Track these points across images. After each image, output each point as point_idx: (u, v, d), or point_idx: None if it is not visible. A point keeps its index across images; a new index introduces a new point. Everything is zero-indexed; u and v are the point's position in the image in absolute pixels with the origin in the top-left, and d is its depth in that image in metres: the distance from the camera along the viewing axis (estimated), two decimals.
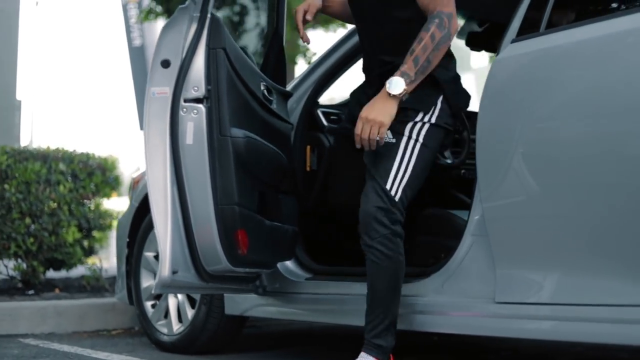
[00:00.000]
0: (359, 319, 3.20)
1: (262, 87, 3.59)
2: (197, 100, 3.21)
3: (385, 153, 3.13)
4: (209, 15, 3.24)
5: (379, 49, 3.32)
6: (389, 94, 3.04)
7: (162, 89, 3.21)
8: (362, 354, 3.09)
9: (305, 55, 12.22)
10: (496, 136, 3.04)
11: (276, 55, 4.00)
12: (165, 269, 3.21)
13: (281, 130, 3.69)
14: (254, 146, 3.40)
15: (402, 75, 3.05)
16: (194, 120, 3.19)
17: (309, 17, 3.49)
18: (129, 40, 60.94)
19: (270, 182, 3.52)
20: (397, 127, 3.12)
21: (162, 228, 3.22)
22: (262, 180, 3.45)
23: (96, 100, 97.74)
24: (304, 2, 3.50)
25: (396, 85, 3.04)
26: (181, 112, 3.19)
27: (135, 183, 4.95)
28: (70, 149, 6.62)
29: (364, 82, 3.44)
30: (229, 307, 4.06)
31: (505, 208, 3.01)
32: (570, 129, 2.81)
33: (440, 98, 3.21)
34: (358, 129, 3.07)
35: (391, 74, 3.08)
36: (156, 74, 3.22)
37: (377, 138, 3.04)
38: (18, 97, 31.28)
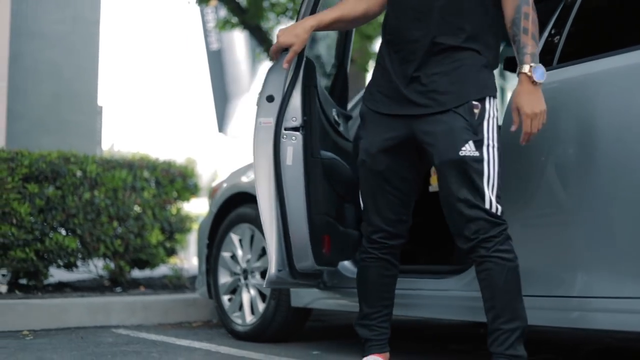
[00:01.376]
0: (402, 311, 3.71)
1: (334, 113, 4.18)
2: (295, 129, 3.77)
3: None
4: (304, 59, 3.79)
5: (428, 28, 3.18)
6: (535, 82, 3.00)
7: (267, 120, 3.75)
8: None
9: None
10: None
11: (342, 83, 4.58)
12: (272, 268, 3.77)
13: (346, 148, 4.24)
14: (335, 164, 3.99)
15: (534, 59, 3.00)
16: (293, 145, 3.75)
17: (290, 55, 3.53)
18: (207, 44, 61.57)
19: (342, 193, 4.07)
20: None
21: (269, 234, 3.78)
22: (338, 192, 4.01)
23: (174, 103, 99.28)
24: (286, 35, 3.52)
25: (540, 72, 3.00)
26: (282, 139, 3.73)
27: (213, 192, 5.51)
28: (153, 158, 7.11)
29: (392, 64, 3.29)
30: (294, 300, 4.61)
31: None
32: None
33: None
34: (527, 126, 3.00)
35: (441, 55, 3.12)
36: (262, 107, 3.77)
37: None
38: (99, 103, 32.15)
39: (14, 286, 6.13)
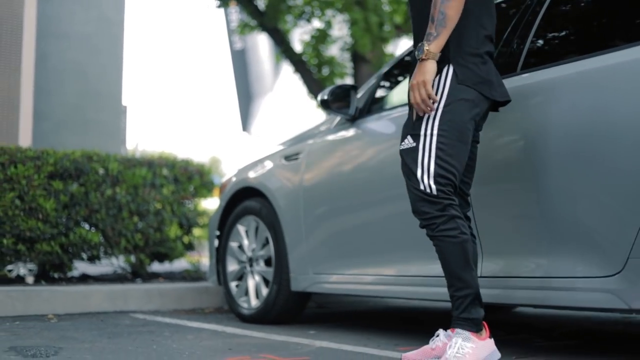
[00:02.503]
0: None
1: None
2: None
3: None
4: None
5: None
6: (419, 59, 3.37)
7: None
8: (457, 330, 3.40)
9: None
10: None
11: None
12: None
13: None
14: None
15: (425, 38, 3.39)
16: None
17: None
18: (231, 43, 61.81)
19: None
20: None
21: None
22: None
23: (199, 103, 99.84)
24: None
25: (419, 48, 3.38)
26: None
27: (223, 187, 5.95)
28: (172, 156, 7.51)
29: None
30: (293, 285, 5.05)
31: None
32: None
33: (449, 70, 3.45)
34: (411, 98, 3.39)
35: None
36: None
37: (427, 97, 3.34)
38: (124, 102, 32.63)
39: (40, 278, 6.52)
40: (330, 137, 4.97)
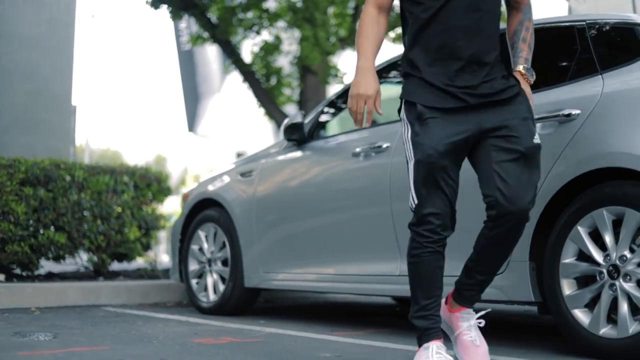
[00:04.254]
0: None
1: None
2: None
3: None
4: None
5: (476, 43, 3.42)
6: (530, 81, 3.58)
7: None
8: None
9: (336, 76, 13.96)
10: None
11: None
12: None
13: None
14: None
15: (527, 62, 3.59)
16: None
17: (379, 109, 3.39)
18: (178, 45, 61.85)
19: None
20: None
21: None
22: None
23: (146, 102, 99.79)
24: (367, 87, 3.36)
25: (531, 73, 3.59)
26: None
27: (185, 197, 6.84)
28: (132, 165, 8.20)
29: (439, 76, 3.40)
30: (247, 282, 5.95)
31: None
32: None
33: None
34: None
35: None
36: None
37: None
38: (73, 102, 32.99)
39: (9, 275, 7.16)
40: (280, 157, 5.89)
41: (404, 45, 3.55)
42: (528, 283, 4.16)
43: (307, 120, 5.74)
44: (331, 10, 14.66)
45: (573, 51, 4.31)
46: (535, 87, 4.26)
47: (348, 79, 14.45)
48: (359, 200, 5.12)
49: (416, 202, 3.37)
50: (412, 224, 3.42)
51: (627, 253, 3.80)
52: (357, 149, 5.11)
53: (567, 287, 3.99)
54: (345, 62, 29.40)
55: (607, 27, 4.25)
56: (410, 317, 3.49)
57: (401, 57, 3.55)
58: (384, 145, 4.94)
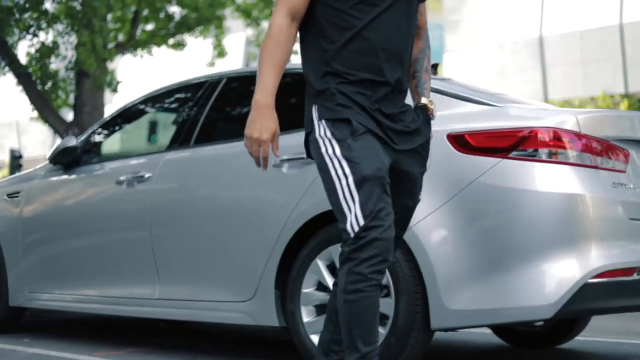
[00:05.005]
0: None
1: None
2: None
3: None
4: None
5: (404, 53, 3.09)
6: (434, 116, 3.22)
7: None
8: None
9: (110, 84, 14.01)
10: None
11: None
12: None
13: None
14: None
15: (429, 94, 3.23)
16: None
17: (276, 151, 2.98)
18: None
19: None
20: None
21: None
22: None
23: None
24: (262, 130, 2.94)
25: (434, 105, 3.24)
26: None
27: None
28: None
29: (376, 98, 3.01)
30: (11, 301, 6.05)
31: None
32: None
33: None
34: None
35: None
36: None
37: None
38: None
39: None
40: (48, 180, 6.03)
41: (305, 56, 3.11)
42: (273, 309, 4.56)
43: (78, 142, 5.91)
44: (110, 15, 14.70)
45: None
46: (286, 129, 4.71)
47: (123, 87, 14.52)
48: (121, 225, 5.38)
49: (361, 223, 2.85)
50: (352, 250, 2.87)
51: None
52: (121, 177, 5.36)
53: (307, 314, 4.42)
54: (124, 67, 29.30)
55: None
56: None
57: (306, 71, 3.09)
58: (146, 175, 5.21)
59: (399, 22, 3.03)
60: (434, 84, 4.30)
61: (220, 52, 16.32)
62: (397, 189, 3.06)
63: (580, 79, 31.59)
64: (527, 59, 30.97)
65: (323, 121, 2.99)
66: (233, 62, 32.42)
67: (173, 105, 5.79)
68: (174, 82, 5.77)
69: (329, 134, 2.98)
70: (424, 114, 3.17)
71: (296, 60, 4.19)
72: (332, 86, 2.99)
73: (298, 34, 3.09)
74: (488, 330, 5.83)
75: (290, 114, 5.07)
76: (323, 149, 2.98)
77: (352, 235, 2.87)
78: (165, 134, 5.66)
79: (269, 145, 2.94)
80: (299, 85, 5.06)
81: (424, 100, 3.20)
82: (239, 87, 5.36)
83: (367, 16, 2.98)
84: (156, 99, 5.87)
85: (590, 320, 5.57)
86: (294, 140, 4.63)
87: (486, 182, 3.97)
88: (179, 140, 5.23)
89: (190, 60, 25.44)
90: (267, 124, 2.94)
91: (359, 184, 2.89)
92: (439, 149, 4.03)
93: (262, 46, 2.98)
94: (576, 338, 5.63)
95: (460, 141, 4.08)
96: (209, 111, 5.22)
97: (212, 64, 16.35)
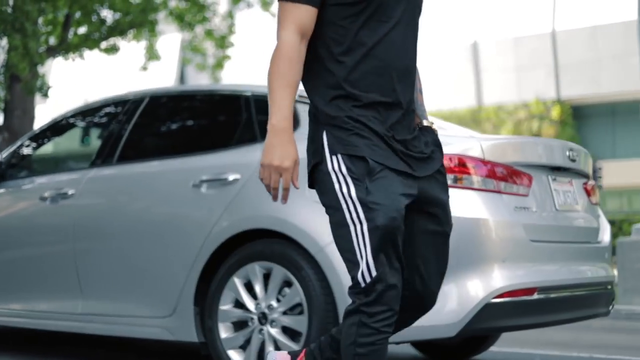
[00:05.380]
0: None
1: None
2: None
3: None
4: None
5: (413, 71, 2.86)
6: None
7: None
8: None
9: (41, 89, 13.93)
10: None
11: None
12: None
13: None
14: None
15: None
16: None
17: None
18: None
19: None
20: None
21: None
22: None
23: None
24: (283, 157, 2.65)
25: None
26: None
27: None
28: None
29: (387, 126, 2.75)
30: None
31: None
32: None
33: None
34: None
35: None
36: None
37: None
38: None
39: None
40: None
41: (310, 79, 2.81)
42: (192, 325, 4.69)
43: (3, 157, 5.96)
44: (41, 18, 14.62)
45: (238, 119, 4.91)
46: (201, 150, 4.88)
47: (54, 92, 14.45)
48: (45, 240, 5.44)
49: (374, 274, 2.66)
50: (364, 304, 2.68)
51: (274, 303, 4.42)
52: (45, 194, 5.43)
53: (224, 331, 4.56)
54: (55, 71, 29.05)
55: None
56: None
57: (312, 94, 2.82)
58: (70, 192, 5.29)
59: (407, 39, 2.80)
60: None
61: (153, 56, 16.31)
62: (432, 217, 2.85)
63: (514, 84, 32.16)
64: (461, 64, 31.46)
65: (338, 154, 2.71)
66: (167, 66, 32.39)
67: (98, 122, 5.87)
68: (99, 99, 5.86)
69: (344, 169, 2.70)
70: (433, 136, 2.91)
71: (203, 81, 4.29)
72: (345, 112, 2.72)
73: None
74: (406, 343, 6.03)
75: (207, 135, 5.22)
76: (337, 186, 2.70)
77: (362, 285, 2.67)
78: (90, 151, 5.74)
79: (290, 173, 2.66)
80: (211, 106, 5.27)
81: (426, 123, 2.92)
82: (162, 105, 5.47)
83: (377, 34, 2.74)
84: (81, 115, 5.94)
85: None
86: (213, 161, 4.78)
87: None
88: (103, 157, 5.32)
89: (124, 64, 25.35)
90: (288, 150, 2.65)
91: (372, 233, 2.65)
92: None
93: (272, 66, 2.69)
94: (490, 349, 5.85)
95: None
96: (132, 129, 5.31)
97: (144, 69, 16.33)
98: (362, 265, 2.66)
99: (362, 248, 2.66)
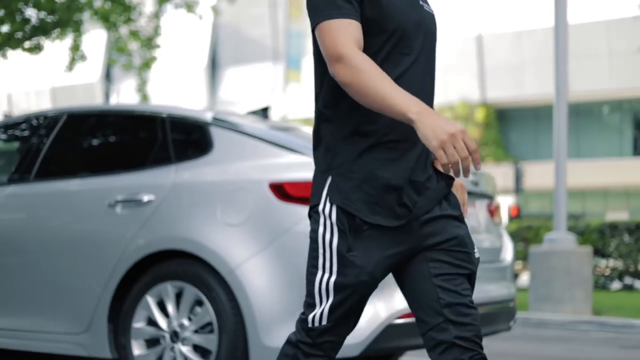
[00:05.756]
0: None
1: None
2: None
3: None
4: None
5: (432, 104, 2.71)
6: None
7: None
8: None
9: None
10: None
11: None
12: None
13: None
14: None
15: None
16: None
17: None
18: None
19: None
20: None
21: None
22: None
23: None
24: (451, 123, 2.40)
25: None
26: None
27: None
28: None
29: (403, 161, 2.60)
30: None
31: None
32: None
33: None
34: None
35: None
36: None
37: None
38: None
39: None
40: None
41: (329, 113, 2.67)
42: (106, 342, 4.80)
43: None
44: None
45: (153, 140, 5.01)
46: (117, 170, 4.97)
47: None
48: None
49: (324, 323, 2.65)
50: (305, 344, 2.69)
51: (185, 321, 4.55)
52: None
53: (137, 348, 4.67)
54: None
55: (184, 122, 4.98)
56: None
57: (324, 128, 2.67)
58: None
59: (426, 75, 2.69)
60: (269, 133, 4.69)
61: (78, 57, 16.23)
62: (449, 259, 2.64)
63: (440, 86, 32.52)
64: None
65: (334, 204, 2.61)
66: (93, 65, 32.08)
67: (17, 138, 5.90)
68: (20, 115, 5.91)
69: (334, 217, 2.62)
70: (447, 177, 2.71)
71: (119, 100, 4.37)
72: (356, 158, 2.59)
73: (313, 85, 2.73)
74: None
75: (123, 154, 5.32)
76: (321, 230, 2.63)
77: (310, 325, 2.65)
78: (8, 167, 5.77)
79: (466, 132, 2.39)
80: (128, 126, 5.35)
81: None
82: (80, 123, 5.53)
83: (400, 67, 2.60)
84: (2, 130, 5.99)
85: None
86: (128, 181, 4.88)
87: (303, 230, 4.28)
88: (20, 174, 5.38)
89: (49, 63, 24.96)
90: (445, 119, 2.41)
91: (337, 288, 2.60)
92: (261, 197, 4.36)
93: (358, 81, 2.45)
94: None
95: (280, 191, 4.41)
96: (49, 146, 5.37)
97: (70, 69, 16.26)
98: (317, 311, 2.64)
99: (324, 297, 2.63)
